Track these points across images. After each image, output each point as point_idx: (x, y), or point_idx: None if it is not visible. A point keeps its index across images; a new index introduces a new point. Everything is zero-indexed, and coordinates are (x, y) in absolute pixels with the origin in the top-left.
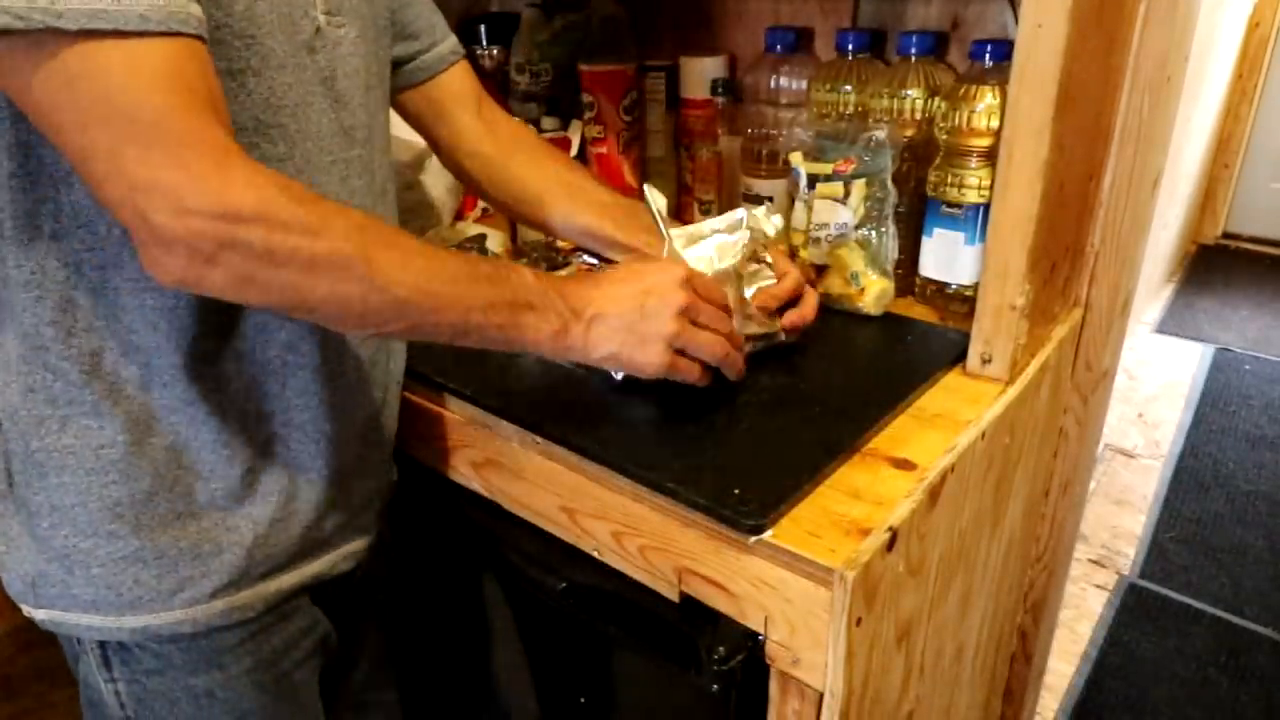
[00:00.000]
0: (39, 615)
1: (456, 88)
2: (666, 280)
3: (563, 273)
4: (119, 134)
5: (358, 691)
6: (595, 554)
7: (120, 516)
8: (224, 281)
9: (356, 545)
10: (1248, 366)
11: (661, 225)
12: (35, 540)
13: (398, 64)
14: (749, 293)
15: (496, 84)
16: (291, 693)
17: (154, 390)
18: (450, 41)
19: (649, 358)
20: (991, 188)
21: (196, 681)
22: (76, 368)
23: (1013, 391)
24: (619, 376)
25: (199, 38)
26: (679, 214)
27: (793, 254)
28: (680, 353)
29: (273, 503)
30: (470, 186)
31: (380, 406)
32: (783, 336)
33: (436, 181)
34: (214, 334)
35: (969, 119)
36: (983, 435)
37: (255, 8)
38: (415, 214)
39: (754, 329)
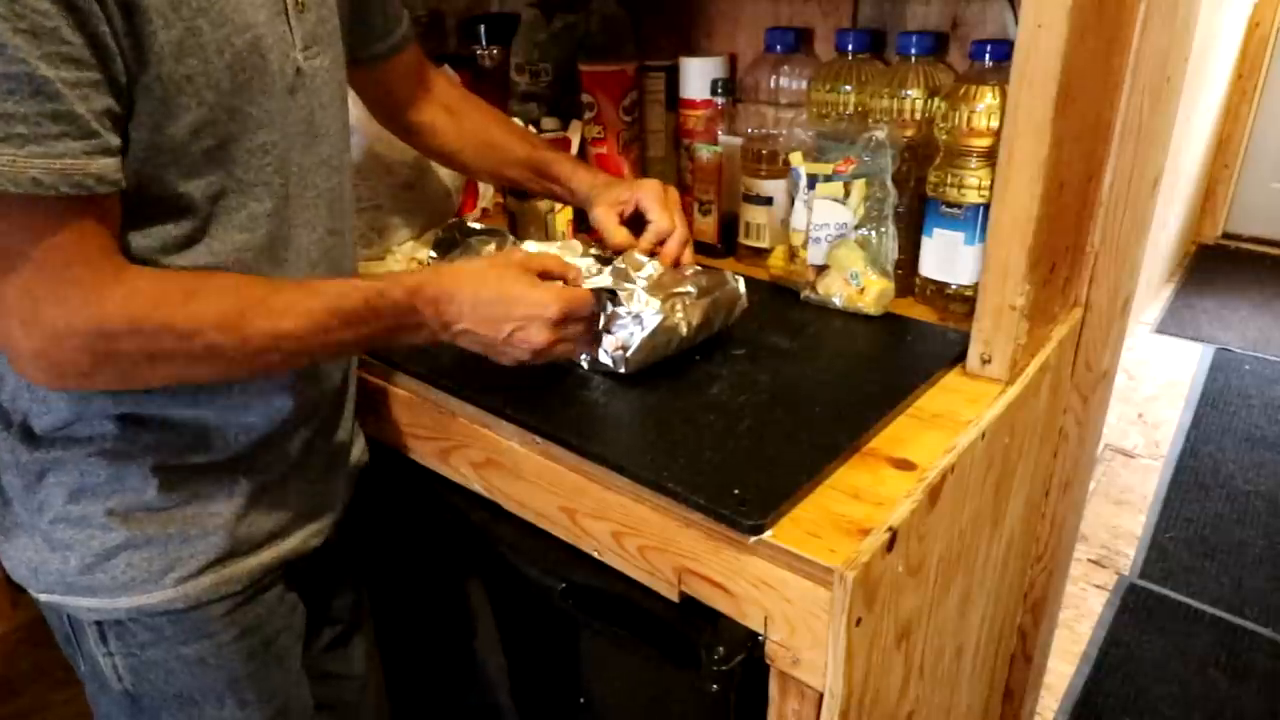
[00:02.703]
0: (41, 598)
1: (405, 67)
2: (536, 320)
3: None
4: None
5: (320, 661)
6: (595, 554)
7: (111, 512)
8: (105, 383)
9: (324, 523)
10: (1247, 366)
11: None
12: (37, 532)
13: (355, 55)
14: (650, 269)
15: (496, 84)
16: (277, 657)
17: (137, 400)
18: (405, 24)
19: (506, 363)
20: (991, 188)
21: (188, 650)
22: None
23: (1013, 391)
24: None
25: (100, 195)
26: None
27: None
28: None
29: (248, 489)
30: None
31: (339, 388)
32: (695, 278)
33: (436, 181)
34: None
35: (969, 119)
36: (983, 435)
37: (239, 78)
38: (415, 214)
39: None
